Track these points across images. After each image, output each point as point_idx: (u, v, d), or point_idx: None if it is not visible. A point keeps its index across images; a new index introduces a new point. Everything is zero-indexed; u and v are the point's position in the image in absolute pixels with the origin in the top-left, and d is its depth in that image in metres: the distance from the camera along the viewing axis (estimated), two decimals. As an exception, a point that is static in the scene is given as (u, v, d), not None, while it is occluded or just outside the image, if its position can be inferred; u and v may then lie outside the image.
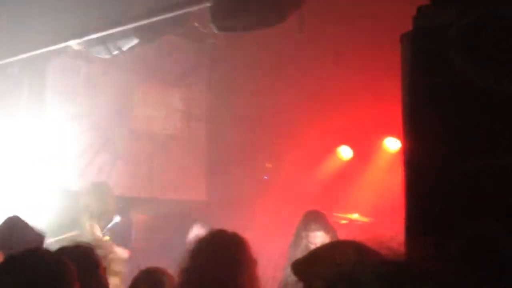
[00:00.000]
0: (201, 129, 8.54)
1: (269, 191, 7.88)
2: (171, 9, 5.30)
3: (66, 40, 5.93)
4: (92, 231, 6.23)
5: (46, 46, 6.17)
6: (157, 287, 3.68)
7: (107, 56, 6.07)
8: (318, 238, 5.04)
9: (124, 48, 5.88)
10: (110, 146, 7.76)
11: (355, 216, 7.17)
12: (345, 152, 8.12)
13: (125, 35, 5.74)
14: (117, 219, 6.41)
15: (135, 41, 5.77)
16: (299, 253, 4.59)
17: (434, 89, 2.48)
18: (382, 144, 7.66)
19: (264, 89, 7.77)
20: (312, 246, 4.84)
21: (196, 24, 5.82)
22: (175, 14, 5.31)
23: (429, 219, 2.35)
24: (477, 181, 2.30)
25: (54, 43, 6.10)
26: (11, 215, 4.01)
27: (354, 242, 1.44)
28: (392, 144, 7.51)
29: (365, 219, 7.06)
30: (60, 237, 5.99)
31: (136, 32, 5.64)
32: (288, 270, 4.23)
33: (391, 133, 7.34)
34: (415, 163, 2.52)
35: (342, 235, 5.24)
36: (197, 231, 6.62)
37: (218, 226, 6.52)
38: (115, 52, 5.93)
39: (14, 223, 3.95)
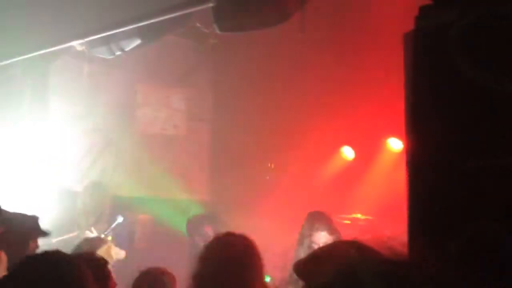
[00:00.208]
0: (203, 130, 8.55)
1: (271, 192, 7.87)
2: (173, 9, 5.30)
3: (68, 41, 5.94)
4: (88, 232, 6.25)
5: (48, 46, 6.19)
6: (157, 287, 3.69)
7: (110, 57, 6.08)
8: (322, 238, 5.06)
9: (127, 49, 5.89)
10: (113, 146, 7.77)
11: (358, 216, 7.16)
12: (348, 153, 8.11)
13: (127, 35, 5.74)
14: (120, 219, 6.42)
15: (137, 42, 5.77)
16: (303, 254, 4.60)
17: (435, 89, 2.47)
18: (385, 144, 7.64)
19: (266, 89, 7.77)
20: (316, 247, 4.85)
21: (198, 24, 5.82)
22: (178, 14, 5.31)
23: (431, 219, 2.35)
24: (478, 181, 2.29)
25: (57, 44, 6.12)
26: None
27: (355, 242, 1.44)
28: (395, 144, 7.50)
29: (368, 218, 7.05)
30: (60, 238, 6.00)
31: (138, 32, 5.65)
32: (291, 270, 4.24)
33: (394, 133, 7.32)
34: (416, 163, 2.52)
35: (345, 235, 5.25)
36: (201, 232, 6.63)
37: (221, 226, 6.55)
38: (118, 53, 5.94)
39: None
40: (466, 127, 2.36)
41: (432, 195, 2.33)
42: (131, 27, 5.56)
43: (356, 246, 1.31)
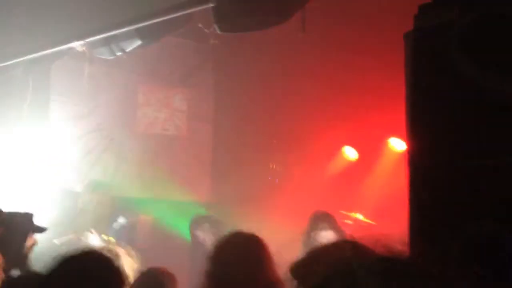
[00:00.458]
0: (204, 130, 8.54)
1: (273, 193, 7.86)
2: (174, 10, 5.30)
3: (69, 42, 5.94)
4: (88, 233, 6.25)
5: (49, 47, 6.19)
6: (158, 287, 3.68)
7: (111, 57, 6.08)
8: (327, 237, 5.04)
9: (127, 49, 5.89)
10: (114, 147, 7.77)
11: (360, 216, 7.14)
12: (350, 153, 8.10)
13: (128, 36, 5.74)
14: (121, 220, 6.42)
15: (138, 42, 5.77)
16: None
17: (435, 89, 2.46)
18: (388, 145, 7.63)
19: (268, 89, 7.76)
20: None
21: (199, 25, 5.81)
22: (178, 15, 5.31)
23: (432, 218, 2.34)
24: (479, 181, 2.28)
25: (57, 45, 6.12)
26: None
27: (351, 242, 1.43)
28: (398, 145, 7.48)
29: (369, 219, 7.04)
30: (62, 238, 6.00)
31: (139, 33, 5.64)
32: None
33: (396, 133, 7.31)
34: (417, 162, 2.51)
35: (348, 236, 5.24)
36: (202, 232, 6.63)
37: (222, 226, 6.54)
38: (118, 53, 5.94)
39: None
40: (466, 127, 2.35)
41: (433, 195, 2.32)
42: (131, 27, 5.56)
43: (351, 245, 1.30)
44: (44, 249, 5.29)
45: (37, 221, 4.02)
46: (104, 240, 6.13)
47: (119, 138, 7.79)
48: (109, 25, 5.67)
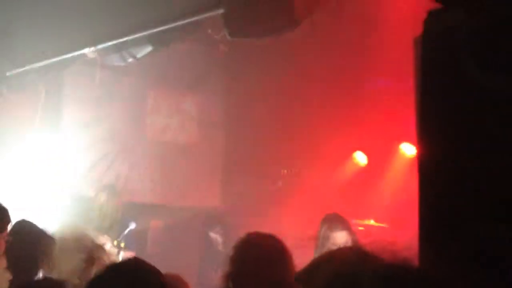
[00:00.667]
0: (215, 136, 8.56)
1: (284, 198, 7.85)
2: (184, 16, 5.33)
3: (81, 49, 5.99)
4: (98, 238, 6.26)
5: (61, 54, 6.24)
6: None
7: (122, 64, 6.12)
8: (342, 238, 5.03)
9: (139, 56, 5.92)
10: (125, 153, 7.80)
11: (371, 222, 7.12)
12: (361, 158, 8.08)
13: (139, 42, 5.78)
14: (132, 225, 6.43)
15: (149, 49, 5.80)
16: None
17: (444, 93, 2.45)
18: (398, 149, 7.60)
19: (279, 95, 7.77)
20: (335, 248, 4.82)
21: (209, 30, 5.84)
22: (188, 21, 5.34)
23: (441, 224, 2.33)
24: (492, 186, 2.27)
25: (69, 52, 6.17)
26: (20, 219, 4.05)
27: (356, 248, 1.42)
28: (408, 150, 7.46)
29: (381, 224, 7.02)
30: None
31: (149, 39, 5.68)
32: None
33: (407, 138, 7.28)
34: (427, 167, 2.50)
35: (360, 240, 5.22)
36: (214, 235, 6.64)
37: (235, 232, 6.55)
38: (130, 60, 5.98)
39: (24, 227, 3.98)
40: (476, 131, 2.33)
41: (442, 200, 2.31)
42: (142, 34, 5.59)
43: (355, 251, 1.30)
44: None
45: (46, 227, 4.04)
46: (114, 246, 6.15)
47: (131, 144, 7.83)
48: (120, 32, 5.71)
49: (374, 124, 7.13)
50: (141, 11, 5.56)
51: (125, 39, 5.72)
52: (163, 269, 4.10)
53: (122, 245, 6.25)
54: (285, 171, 8.53)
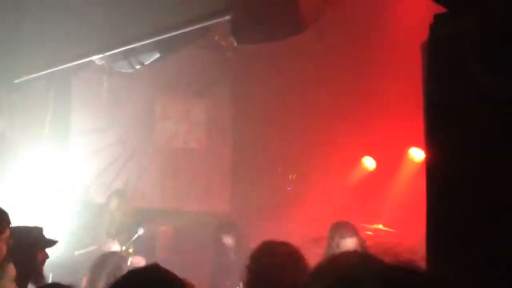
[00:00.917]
0: (224, 141, 8.57)
1: (293, 203, 7.84)
2: (191, 23, 5.34)
3: (89, 56, 6.03)
4: (109, 244, 6.29)
5: (70, 61, 6.28)
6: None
7: (130, 71, 6.15)
8: (351, 245, 5.03)
9: (146, 62, 5.94)
10: (135, 159, 7.83)
11: (379, 226, 7.10)
12: (369, 163, 8.07)
13: (146, 49, 5.80)
14: (141, 231, 6.45)
15: (156, 55, 5.82)
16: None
17: (451, 98, 2.45)
18: (407, 154, 7.58)
19: (286, 100, 7.77)
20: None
21: (216, 37, 5.85)
22: (195, 27, 5.35)
23: (448, 228, 2.32)
24: (499, 191, 2.26)
25: (78, 59, 6.21)
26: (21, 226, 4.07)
27: (358, 251, 1.42)
28: (417, 154, 7.44)
29: (389, 229, 6.99)
30: (83, 251, 6.05)
31: (157, 46, 5.70)
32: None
33: (415, 143, 7.26)
34: (434, 172, 2.49)
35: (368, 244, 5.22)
36: (225, 239, 6.64)
37: (246, 237, 6.54)
38: (137, 66, 6.00)
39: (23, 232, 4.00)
40: (484, 136, 2.32)
41: (449, 204, 2.30)
42: (150, 41, 5.62)
43: (359, 254, 1.30)
44: (65, 260, 5.36)
45: (52, 234, 4.06)
46: (123, 251, 6.17)
47: (140, 150, 7.86)
48: (128, 39, 5.74)
49: (383, 129, 7.12)
50: (148, 18, 5.59)
51: (133, 46, 5.74)
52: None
53: (131, 250, 6.27)
54: (294, 175, 8.52)
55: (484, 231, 2.14)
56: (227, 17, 4.96)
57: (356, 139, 7.48)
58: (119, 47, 5.81)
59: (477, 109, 2.30)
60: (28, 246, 3.81)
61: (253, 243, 3.35)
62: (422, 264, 1.19)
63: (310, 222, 6.94)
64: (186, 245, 7.62)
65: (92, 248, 6.32)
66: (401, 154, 7.64)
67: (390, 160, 7.72)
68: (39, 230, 4.01)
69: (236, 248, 6.72)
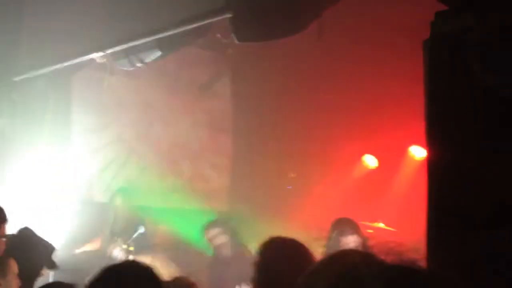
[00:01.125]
0: (225, 140, 8.56)
1: (293, 201, 7.84)
2: (192, 20, 5.34)
3: (89, 53, 6.02)
4: (112, 243, 6.29)
5: (70, 59, 6.27)
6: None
7: (130, 69, 6.14)
8: (352, 242, 5.02)
9: (147, 60, 5.93)
10: (135, 157, 7.83)
11: (381, 225, 7.10)
12: (370, 161, 8.07)
13: (147, 47, 5.79)
14: (141, 229, 6.45)
15: (157, 53, 5.81)
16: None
17: (452, 95, 2.44)
18: (408, 152, 7.58)
19: (287, 99, 7.76)
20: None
21: (217, 35, 5.85)
22: (197, 25, 5.35)
23: (448, 227, 2.32)
24: (500, 189, 2.25)
25: (78, 56, 6.20)
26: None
27: (359, 250, 1.42)
28: (418, 153, 7.43)
29: (391, 228, 6.99)
30: (85, 249, 6.05)
31: (158, 44, 5.69)
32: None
33: (417, 141, 7.26)
34: (436, 169, 2.49)
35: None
36: (223, 242, 6.62)
37: (243, 236, 6.53)
38: (138, 64, 5.99)
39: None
40: (485, 134, 2.32)
41: (450, 202, 2.30)
42: (151, 38, 5.61)
43: (360, 253, 1.30)
44: (66, 259, 5.36)
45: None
46: (124, 249, 6.17)
47: (140, 149, 7.85)
48: (129, 37, 5.73)
49: (384, 127, 7.12)
50: (149, 16, 5.58)
51: (133, 44, 5.73)
52: (172, 272, 4.10)
53: (131, 248, 6.27)
54: (294, 174, 8.51)
55: (484, 228, 2.14)
56: (228, 15, 4.95)
57: (357, 138, 7.47)
58: (120, 45, 5.80)
59: (478, 107, 2.30)
60: (33, 262, 3.82)
61: (253, 243, 3.35)
62: (424, 263, 1.18)
63: (310, 221, 6.94)
64: (184, 244, 7.61)
65: (93, 247, 6.32)
66: (402, 152, 7.63)
67: (391, 158, 7.72)
68: (51, 249, 4.01)
69: (231, 245, 6.64)
